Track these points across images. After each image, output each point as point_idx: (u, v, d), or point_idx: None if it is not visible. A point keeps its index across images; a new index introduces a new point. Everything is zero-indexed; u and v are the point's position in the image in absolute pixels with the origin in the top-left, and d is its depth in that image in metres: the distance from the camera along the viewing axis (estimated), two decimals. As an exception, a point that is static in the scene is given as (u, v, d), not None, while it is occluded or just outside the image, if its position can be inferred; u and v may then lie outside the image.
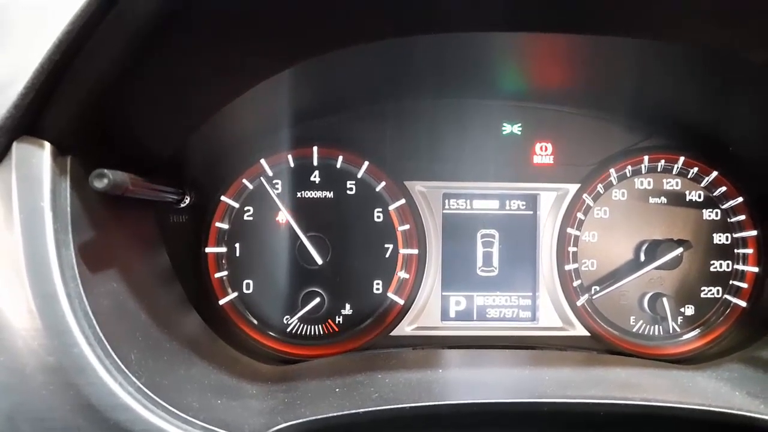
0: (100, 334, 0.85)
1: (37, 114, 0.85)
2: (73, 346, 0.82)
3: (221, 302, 1.51)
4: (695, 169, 1.60)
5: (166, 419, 0.84)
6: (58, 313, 0.82)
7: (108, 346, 0.85)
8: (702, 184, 1.62)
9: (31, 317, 0.81)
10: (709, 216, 1.62)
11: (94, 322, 0.85)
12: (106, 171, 0.87)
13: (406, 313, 1.57)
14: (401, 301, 1.57)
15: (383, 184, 1.57)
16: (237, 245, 1.54)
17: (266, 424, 0.90)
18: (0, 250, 0.83)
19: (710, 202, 1.62)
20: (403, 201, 1.56)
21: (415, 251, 1.57)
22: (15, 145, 0.85)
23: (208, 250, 1.51)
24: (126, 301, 1.03)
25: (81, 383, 0.81)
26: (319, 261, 1.52)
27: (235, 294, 1.53)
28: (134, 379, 0.85)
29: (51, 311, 0.82)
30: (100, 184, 0.87)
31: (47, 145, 0.87)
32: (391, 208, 1.57)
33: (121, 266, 1.06)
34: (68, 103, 0.87)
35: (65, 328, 0.82)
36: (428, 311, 1.59)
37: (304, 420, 0.92)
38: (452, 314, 1.61)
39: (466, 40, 1.19)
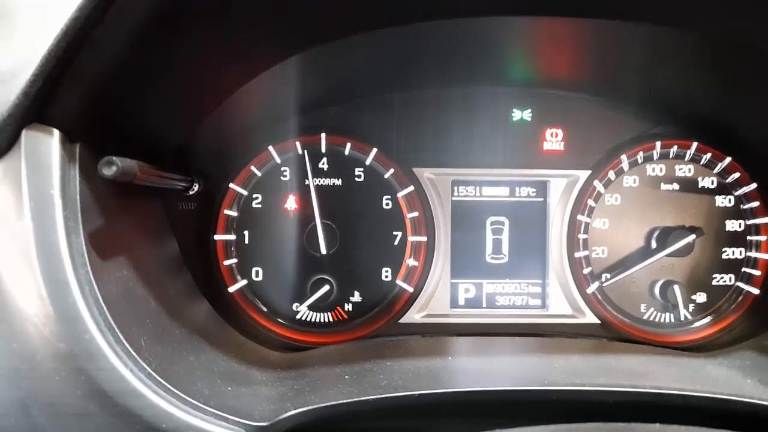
0: (111, 321, 0.86)
1: (45, 102, 0.85)
2: (83, 332, 0.82)
3: (230, 290, 1.51)
4: (708, 155, 1.58)
5: (176, 405, 0.85)
6: (68, 300, 0.83)
7: (118, 333, 0.86)
8: (715, 171, 1.60)
9: (42, 304, 0.82)
10: (722, 202, 1.60)
11: (105, 308, 0.86)
12: (114, 158, 0.87)
13: (414, 301, 1.57)
14: (410, 289, 1.57)
15: (391, 171, 1.56)
16: (246, 233, 1.54)
17: (276, 411, 0.90)
18: (10, 237, 0.83)
19: (723, 189, 1.60)
20: (411, 188, 1.56)
21: (424, 239, 1.57)
22: (24, 133, 0.86)
23: (216, 237, 1.51)
24: (135, 288, 1.04)
25: (92, 369, 0.82)
26: (328, 249, 1.52)
27: (245, 281, 1.53)
28: (144, 365, 0.86)
29: (62, 298, 0.83)
30: (108, 171, 0.87)
31: (56, 132, 0.88)
32: (400, 195, 1.56)
33: (131, 253, 1.07)
34: (76, 90, 0.87)
35: (76, 315, 0.83)
36: (437, 299, 1.59)
37: (314, 407, 0.92)
38: (461, 302, 1.60)
39: (474, 26, 1.17)
